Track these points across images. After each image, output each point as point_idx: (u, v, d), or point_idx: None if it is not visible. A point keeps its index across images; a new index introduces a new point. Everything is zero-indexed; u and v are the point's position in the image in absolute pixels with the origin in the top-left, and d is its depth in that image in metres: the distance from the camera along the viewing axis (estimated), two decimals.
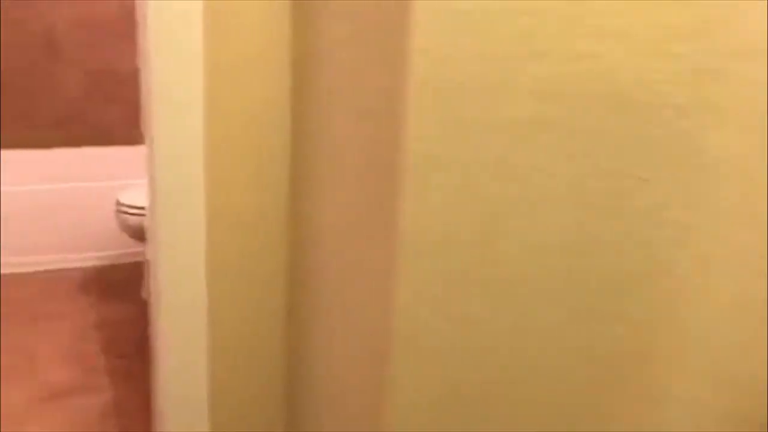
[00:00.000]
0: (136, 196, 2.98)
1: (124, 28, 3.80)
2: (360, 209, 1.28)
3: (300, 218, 1.66)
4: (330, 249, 1.48)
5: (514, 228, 1.15)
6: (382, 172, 1.16)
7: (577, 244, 1.18)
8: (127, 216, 2.95)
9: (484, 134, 1.09)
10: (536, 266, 1.18)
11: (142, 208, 2.89)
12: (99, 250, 3.43)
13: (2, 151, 3.70)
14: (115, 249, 3.46)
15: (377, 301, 1.23)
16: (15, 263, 3.30)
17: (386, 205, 1.16)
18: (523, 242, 1.16)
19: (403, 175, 1.09)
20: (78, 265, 3.40)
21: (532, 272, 1.18)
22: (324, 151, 1.48)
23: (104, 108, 3.87)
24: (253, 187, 1.68)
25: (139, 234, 2.98)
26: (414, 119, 1.06)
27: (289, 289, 1.76)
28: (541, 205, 1.15)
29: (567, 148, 1.13)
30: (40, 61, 3.71)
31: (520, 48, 1.06)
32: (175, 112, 1.61)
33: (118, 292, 3.22)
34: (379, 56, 1.15)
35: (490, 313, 1.19)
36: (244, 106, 1.63)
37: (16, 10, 3.59)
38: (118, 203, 2.99)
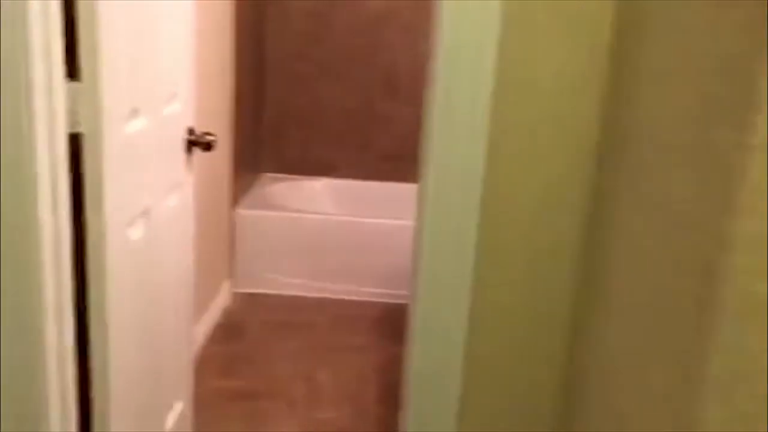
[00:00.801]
0: None
1: None
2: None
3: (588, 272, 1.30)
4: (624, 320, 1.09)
5: None
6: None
7: None
8: None
9: None
10: None
11: None
12: (399, 288, 3.38)
13: (336, 180, 3.90)
14: None
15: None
16: (311, 287, 3.40)
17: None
18: None
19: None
20: (376, 299, 3.38)
21: None
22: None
23: None
24: (529, 239, 1.37)
25: None
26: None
27: (565, 366, 1.40)
28: None
29: None
30: (380, 97, 3.84)
31: None
32: (454, 158, 1.38)
33: None
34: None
35: None
36: (530, 166, 1.34)
37: (363, 52, 3.77)
38: None
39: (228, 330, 3.04)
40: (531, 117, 1.36)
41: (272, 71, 3.81)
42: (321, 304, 3.33)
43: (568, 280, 1.40)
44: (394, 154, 3.90)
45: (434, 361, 1.42)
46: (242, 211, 3.37)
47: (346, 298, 3.38)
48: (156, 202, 1.71)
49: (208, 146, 1.90)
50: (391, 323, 3.20)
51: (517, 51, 1.34)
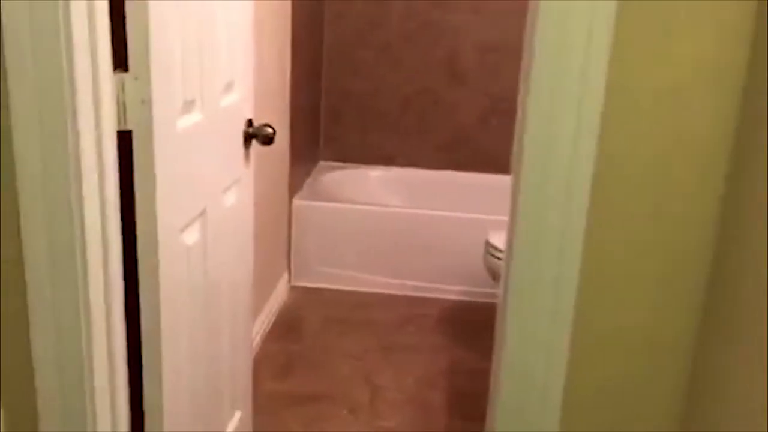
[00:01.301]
0: None
1: None
2: None
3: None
4: None
5: None
6: None
7: None
8: (496, 260, 2.64)
9: None
10: None
11: None
12: (462, 285, 3.21)
13: (394, 169, 3.74)
14: (480, 287, 3.20)
15: None
16: (371, 282, 3.25)
17: None
18: None
19: None
20: (439, 296, 3.22)
21: None
22: None
23: (498, 134, 3.66)
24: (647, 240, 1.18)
25: None
26: None
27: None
28: None
29: None
30: (441, 83, 3.65)
31: None
32: (550, 152, 1.21)
33: (479, 335, 2.93)
34: None
35: None
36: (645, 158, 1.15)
37: (423, 36, 3.58)
38: (488, 244, 2.70)
39: (286, 327, 2.92)
40: (647, 118, 1.17)
41: (330, 57, 3.66)
42: (382, 300, 3.18)
43: (694, 303, 1.21)
44: (453, 143, 3.72)
45: (527, 391, 1.25)
46: (299, 202, 3.24)
47: (408, 294, 3.22)
48: (213, 202, 1.58)
49: (268, 140, 1.76)
50: (455, 322, 3.03)
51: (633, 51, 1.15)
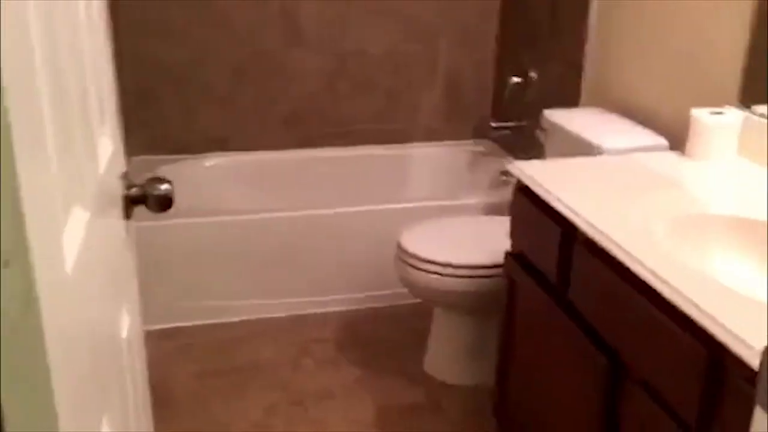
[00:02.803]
0: (429, 241, 2.16)
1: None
2: None
3: None
4: None
5: None
6: None
7: None
8: (415, 271, 2.13)
9: None
10: None
11: (460, 267, 2.08)
12: (354, 291, 2.68)
13: (230, 154, 3.04)
14: (378, 289, 2.69)
15: None
16: (256, 307, 2.61)
17: None
18: None
19: None
20: (332, 309, 2.66)
21: None
22: None
23: (349, 100, 3.10)
24: None
25: (435, 296, 2.18)
26: None
27: None
28: None
29: None
30: (277, 43, 2.97)
31: None
32: None
33: (396, 350, 2.44)
34: None
35: None
36: None
37: None
38: (402, 250, 2.18)
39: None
40: None
41: (129, 18, 2.79)
42: (264, 329, 2.54)
43: None
44: (299, 115, 3.09)
45: None
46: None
47: (295, 314, 2.61)
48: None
49: (166, 202, 1.07)
50: (360, 341, 2.49)
51: None
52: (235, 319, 2.57)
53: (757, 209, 1.43)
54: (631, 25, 2.17)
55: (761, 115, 1.68)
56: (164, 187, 1.06)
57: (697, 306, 1.10)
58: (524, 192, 1.67)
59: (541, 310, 1.63)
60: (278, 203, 2.78)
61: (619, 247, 1.29)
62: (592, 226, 1.39)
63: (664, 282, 1.17)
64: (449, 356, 2.27)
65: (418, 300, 2.30)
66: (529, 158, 2.76)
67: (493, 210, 2.64)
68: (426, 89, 3.16)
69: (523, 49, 2.88)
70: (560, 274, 1.53)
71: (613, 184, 1.60)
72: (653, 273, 1.20)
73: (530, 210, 1.64)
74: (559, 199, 1.50)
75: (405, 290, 2.36)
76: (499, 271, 2.05)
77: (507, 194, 2.71)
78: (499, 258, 2.05)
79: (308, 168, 3.09)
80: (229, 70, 2.96)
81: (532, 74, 2.79)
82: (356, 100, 3.11)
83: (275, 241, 2.59)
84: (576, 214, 1.44)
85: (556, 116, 2.21)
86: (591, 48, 2.38)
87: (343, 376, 2.29)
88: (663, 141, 1.95)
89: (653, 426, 1.23)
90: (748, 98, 1.73)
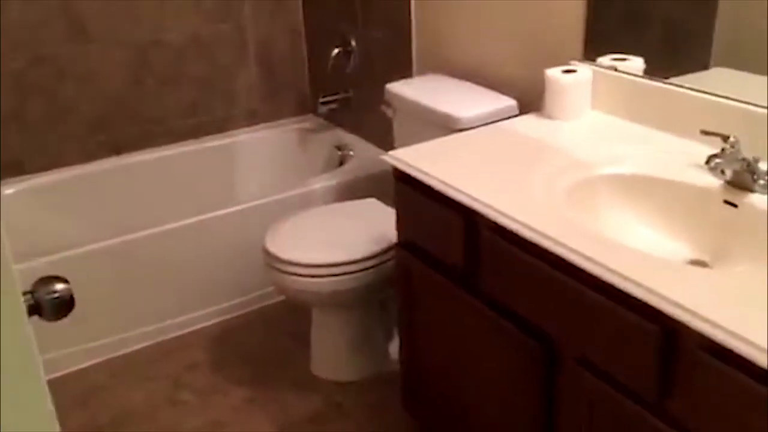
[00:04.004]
0: (297, 242, 2.03)
1: None
2: None
3: None
4: None
5: None
6: None
7: None
8: (287, 276, 2.00)
9: None
10: None
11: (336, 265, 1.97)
12: (213, 304, 2.48)
13: (30, 178, 2.63)
14: (240, 295, 2.52)
15: None
16: (107, 346, 2.32)
17: None
18: None
19: None
20: (189, 330, 2.44)
21: None
22: None
23: (160, 94, 2.81)
24: None
25: (314, 298, 2.06)
26: None
27: None
28: None
29: None
30: (61, 44, 2.59)
31: None
32: None
33: (283, 362, 2.30)
34: None
35: None
36: None
37: None
38: (269, 255, 2.03)
39: None
40: None
41: None
42: (123, 368, 2.27)
43: None
44: (104, 121, 2.74)
45: None
46: None
47: (158, 340, 2.36)
48: None
49: (65, 307, 0.85)
50: (232, 360, 2.32)
51: None
52: (87, 364, 2.27)
53: (635, 165, 1.49)
54: None
55: (608, 68, 1.75)
56: (60, 287, 0.84)
57: (638, 284, 1.11)
58: (405, 180, 1.60)
59: (447, 299, 1.60)
60: (102, 228, 2.46)
61: (535, 230, 1.28)
62: (496, 211, 1.36)
63: (598, 263, 1.17)
64: (336, 354, 2.19)
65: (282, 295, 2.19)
66: (363, 130, 2.72)
67: (344, 190, 2.56)
68: (238, 70, 2.94)
69: (338, 13, 2.77)
70: (467, 261, 1.49)
71: (497, 159, 1.58)
72: (578, 253, 1.20)
73: (418, 199, 1.58)
74: (455, 188, 1.45)
75: (270, 289, 2.23)
76: (376, 261, 2.00)
77: (350, 170, 2.65)
78: (373, 248, 2.00)
79: (126, 178, 2.78)
80: (10, 81, 2.53)
81: (353, 41, 2.70)
82: (165, 94, 2.83)
83: (109, 271, 2.29)
84: (476, 200, 1.41)
85: (399, 89, 2.15)
86: (417, 8, 2.33)
87: (231, 401, 2.12)
88: (512, 102, 1.97)
89: (603, 404, 1.25)
90: (591, 52, 1.79)
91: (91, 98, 2.69)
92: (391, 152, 1.64)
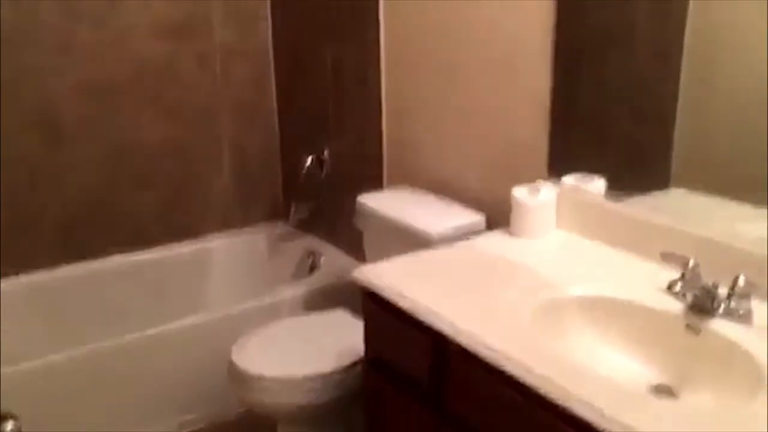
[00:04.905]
0: (265, 355, 2.00)
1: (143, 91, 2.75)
2: None
3: None
4: None
5: None
6: None
7: None
8: (266, 393, 1.95)
9: None
10: None
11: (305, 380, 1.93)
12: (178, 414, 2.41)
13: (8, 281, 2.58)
14: (201, 410, 2.45)
15: None
16: None
17: None
18: None
19: None
20: None
21: None
22: None
23: (137, 197, 2.82)
24: None
25: (285, 413, 2.01)
26: None
27: None
28: None
29: None
30: (36, 146, 2.61)
31: None
32: None
33: None
34: None
35: None
36: None
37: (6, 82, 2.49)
38: (237, 369, 1.99)
39: None
40: None
41: None
42: None
43: None
44: (72, 225, 2.73)
45: None
46: None
47: None
48: None
49: None
50: None
51: None
52: None
53: (599, 287, 1.51)
54: (428, 99, 2.23)
55: (571, 188, 1.80)
56: (9, 428, 0.82)
57: (602, 414, 1.10)
58: (374, 298, 1.61)
59: (414, 418, 1.57)
60: (64, 337, 2.42)
61: (501, 354, 1.28)
62: (464, 334, 1.36)
63: (562, 389, 1.17)
64: None
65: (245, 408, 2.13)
66: (335, 237, 2.75)
67: (314, 299, 2.55)
68: (213, 175, 2.98)
69: (312, 124, 2.84)
70: (435, 382, 1.48)
71: (465, 279, 1.59)
72: (547, 380, 1.20)
73: (386, 317, 1.58)
74: (423, 310, 1.45)
75: (235, 402, 2.19)
76: (345, 375, 1.98)
77: (320, 278, 2.65)
78: (343, 362, 1.98)
79: (91, 285, 2.74)
80: None
81: (326, 151, 2.76)
82: (137, 198, 2.84)
83: (70, 382, 2.23)
84: (443, 322, 1.41)
85: (370, 202, 2.19)
86: (388, 123, 2.40)
87: None
88: (481, 218, 2.01)
89: None
90: (555, 171, 1.85)
91: (62, 202, 2.69)
92: (359, 270, 1.65)
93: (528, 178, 1.89)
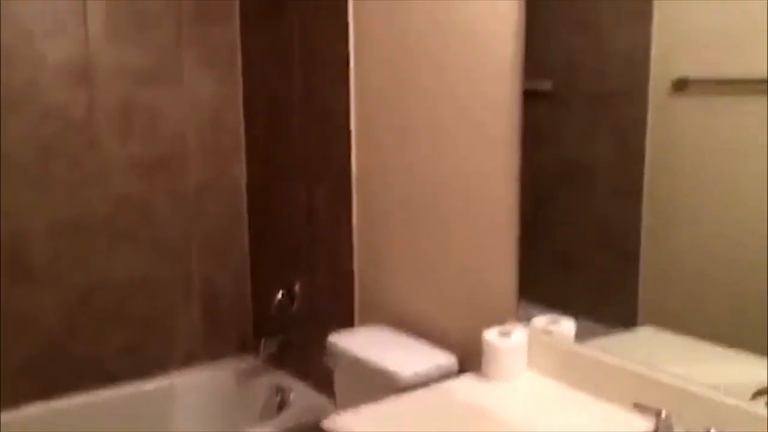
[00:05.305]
0: None
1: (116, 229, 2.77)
2: None
3: None
4: None
5: None
6: None
7: None
8: None
9: None
10: None
11: None
12: None
13: None
14: None
15: None
16: None
17: None
18: None
19: None
20: None
21: None
22: None
23: (99, 336, 2.76)
24: None
25: None
26: None
27: None
28: None
29: None
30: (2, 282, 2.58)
31: None
32: None
33: None
34: None
35: None
36: None
37: None
38: None
39: None
40: None
41: None
42: None
43: None
44: (36, 362, 2.66)
45: None
46: None
47: None
48: None
49: None
50: None
51: None
52: None
53: None
54: (399, 239, 2.27)
55: (541, 331, 1.82)
56: None
57: None
58: None
59: None
60: None
61: None
62: None
63: None
64: None
65: None
66: (305, 374, 2.70)
67: None
68: (181, 310, 2.95)
69: (283, 259, 2.86)
70: None
71: (436, 429, 1.56)
72: None
73: None
74: None
75: None
76: None
77: (289, 418, 2.58)
78: None
79: (54, 424, 2.63)
80: None
81: (297, 287, 2.76)
82: (105, 336, 2.78)
83: None
84: None
85: (341, 341, 2.17)
86: (360, 260, 2.43)
87: None
88: (452, 359, 2.01)
89: None
90: (524, 312, 1.87)
91: (26, 340, 2.62)
92: (331, 419, 1.62)
93: (499, 319, 1.91)
